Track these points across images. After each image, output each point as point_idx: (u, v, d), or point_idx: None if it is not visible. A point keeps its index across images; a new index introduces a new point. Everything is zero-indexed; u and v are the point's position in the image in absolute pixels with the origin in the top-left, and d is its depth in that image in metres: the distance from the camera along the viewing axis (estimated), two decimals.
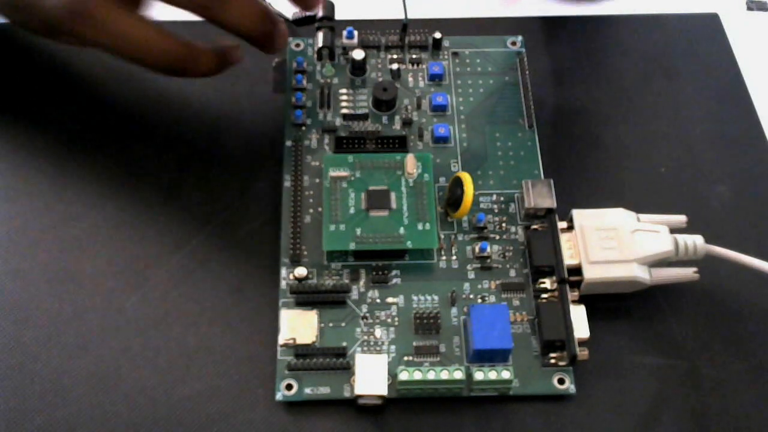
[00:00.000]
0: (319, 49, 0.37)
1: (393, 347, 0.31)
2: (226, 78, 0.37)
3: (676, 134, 0.37)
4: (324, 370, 0.30)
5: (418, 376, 0.29)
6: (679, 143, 0.37)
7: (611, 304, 0.32)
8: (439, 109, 0.36)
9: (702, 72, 0.39)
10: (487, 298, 0.32)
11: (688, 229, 0.33)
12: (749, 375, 0.31)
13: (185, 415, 0.30)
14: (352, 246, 0.32)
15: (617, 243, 0.32)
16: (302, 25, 0.39)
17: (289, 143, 0.35)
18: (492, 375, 0.29)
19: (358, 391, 0.29)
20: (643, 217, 0.33)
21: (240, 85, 0.37)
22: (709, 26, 0.40)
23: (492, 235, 0.33)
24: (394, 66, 0.37)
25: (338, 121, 0.36)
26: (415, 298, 0.32)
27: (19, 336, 0.31)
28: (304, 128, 0.36)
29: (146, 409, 0.30)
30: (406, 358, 0.30)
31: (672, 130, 0.37)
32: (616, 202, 0.33)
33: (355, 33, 0.38)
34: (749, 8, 0.42)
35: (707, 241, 0.32)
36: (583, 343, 0.30)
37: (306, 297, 0.31)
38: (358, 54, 0.37)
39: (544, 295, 0.32)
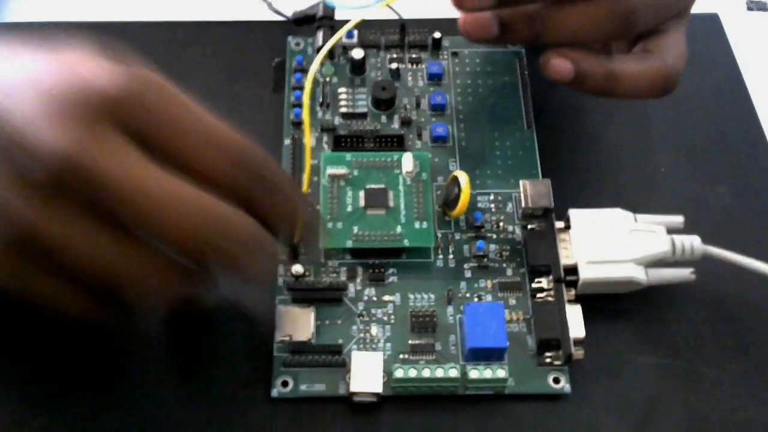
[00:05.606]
0: (319, 49, 0.37)
1: (389, 345, 0.31)
2: (226, 78, 0.38)
3: (675, 134, 0.37)
4: (320, 368, 0.30)
5: (413, 373, 0.29)
6: (679, 143, 0.37)
7: (607, 303, 0.32)
8: (438, 109, 0.37)
9: (702, 72, 0.39)
10: (483, 297, 0.32)
11: (685, 230, 0.32)
12: (746, 375, 0.31)
13: (181, 412, 0.30)
14: (349, 244, 0.32)
15: (614, 243, 0.32)
16: (302, 24, 0.39)
17: (287, 142, 0.35)
18: (487, 373, 0.29)
19: (353, 388, 0.29)
20: (641, 217, 0.32)
21: (240, 85, 0.38)
22: (709, 26, 0.40)
23: (489, 235, 0.33)
24: (394, 65, 0.37)
25: (337, 120, 0.36)
26: (411, 296, 0.32)
27: (19, 335, 0.31)
28: (303, 127, 0.36)
29: (144, 406, 0.30)
30: (401, 356, 0.31)
31: (671, 130, 0.37)
32: (613, 203, 0.33)
33: (355, 32, 0.38)
34: (749, 8, 0.42)
35: (705, 241, 0.32)
36: (578, 342, 0.30)
37: (303, 294, 0.31)
38: (357, 53, 0.37)
39: (540, 295, 0.32)
